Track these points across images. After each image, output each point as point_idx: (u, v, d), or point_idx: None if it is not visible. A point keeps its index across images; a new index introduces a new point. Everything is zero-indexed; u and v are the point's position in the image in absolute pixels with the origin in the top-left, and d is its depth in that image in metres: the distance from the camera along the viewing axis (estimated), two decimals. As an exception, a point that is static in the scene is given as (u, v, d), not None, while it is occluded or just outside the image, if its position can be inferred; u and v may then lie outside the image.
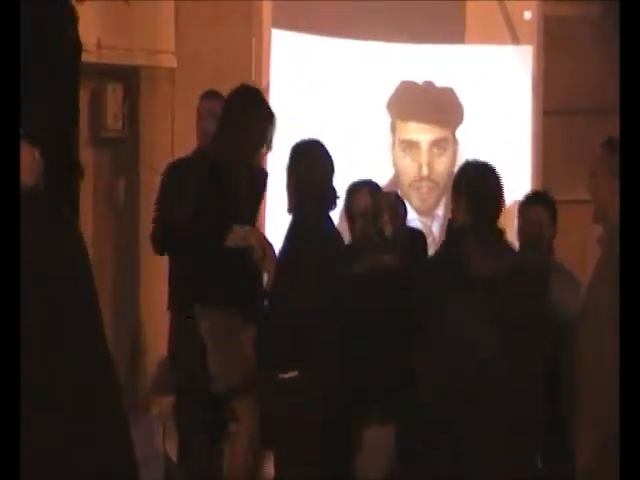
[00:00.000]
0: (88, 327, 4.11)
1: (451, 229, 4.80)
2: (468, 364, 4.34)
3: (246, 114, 5.26)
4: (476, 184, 4.55)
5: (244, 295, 5.12)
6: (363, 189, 5.47)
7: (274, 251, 5.11)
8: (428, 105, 7.74)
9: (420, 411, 4.50)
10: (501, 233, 4.63)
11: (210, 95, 5.78)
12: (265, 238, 5.25)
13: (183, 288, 5.55)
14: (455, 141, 7.71)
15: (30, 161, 4.14)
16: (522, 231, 5.41)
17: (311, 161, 4.88)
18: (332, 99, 7.37)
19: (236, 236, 5.13)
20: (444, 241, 4.95)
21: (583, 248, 5.91)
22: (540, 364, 4.49)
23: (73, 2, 4.93)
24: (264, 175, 5.36)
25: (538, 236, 5.32)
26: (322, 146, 4.96)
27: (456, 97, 7.70)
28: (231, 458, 5.40)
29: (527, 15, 7.85)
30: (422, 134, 7.70)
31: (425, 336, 4.49)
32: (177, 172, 5.72)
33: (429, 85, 7.71)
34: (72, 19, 4.84)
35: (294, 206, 4.90)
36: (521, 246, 5.41)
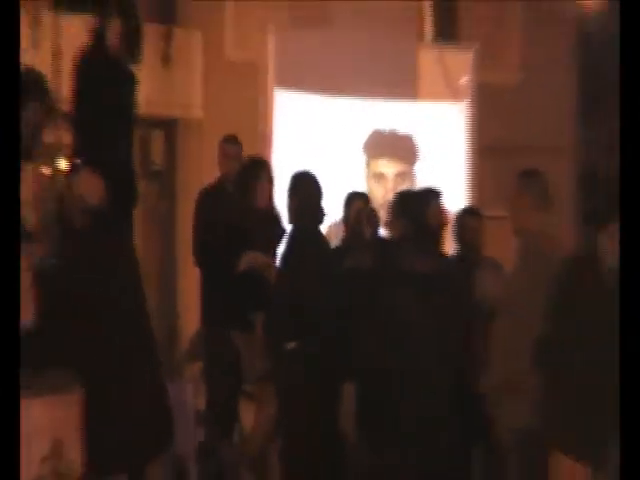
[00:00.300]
0: (136, 313, 4.37)
1: (391, 240, 4.86)
2: (409, 340, 4.34)
3: (257, 182, 5.45)
4: (409, 208, 4.63)
5: (256, 307, 5.24)
6: (355, 203, 5.70)
7: (275, 265, 5.21)
8: (393, 147, 7.84)
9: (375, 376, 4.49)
10: (436, 240, 4.72)
11: (228, 139, 5.90)
12: (268, 257, 5.35)
13: (213, 306, 5.62)
14: (413, 173, 7.81)
15: (97, 187, 4.28)
16: (457, 236, 5.51)
17: (306, 187, 4.99)
18: (321, 142, 7.43)
19: (247, 259, 5.26)
20: (386, 248, 4.91)
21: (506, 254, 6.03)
22: (464, 339, 4.53)
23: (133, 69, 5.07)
24: (279, 227, 5.46)
25: (470, 240, 5.43)
26: (314, 176, 5.05)
27: (413, 141, 7.80)
28: (253, 427, 5.53)
29: (464, 80, 7.90)
30: (388, 168, 7.81)
31: (378, 319, 4.46)
32: (204, 200, 5.84)
33: (393, 132, 7.82)
34: (133, 82, 4.93)
35: (294, 219, 4.99)
36: (456, 248, 5.51)
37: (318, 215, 4.98)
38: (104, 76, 4.80)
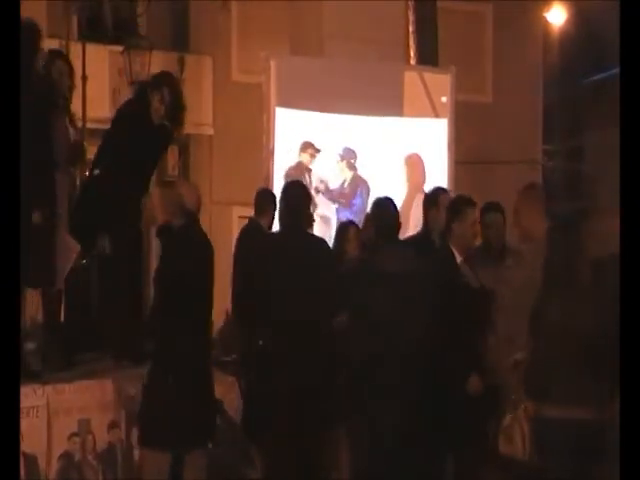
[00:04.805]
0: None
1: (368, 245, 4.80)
2: (384, 332, 4.29)
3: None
4: (379, 215, 4.58)
5: None
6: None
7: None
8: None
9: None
10: (406, 243, 4.69)
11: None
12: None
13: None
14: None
15: (197, 196, 4.53)
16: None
17: (292, 193, 4.82)
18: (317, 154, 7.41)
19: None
20: (366, 251, 4.79)
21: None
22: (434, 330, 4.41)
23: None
24: None
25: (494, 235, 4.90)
26: (301, 184, 5.10)
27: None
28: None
29: (444, 99, 7.95)
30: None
31: (356, 315, 4.42)
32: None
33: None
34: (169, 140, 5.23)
35: (280, 222, 4.89)
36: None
37: (302, 218, 4.78)
38: (141, 133, 4.80)
